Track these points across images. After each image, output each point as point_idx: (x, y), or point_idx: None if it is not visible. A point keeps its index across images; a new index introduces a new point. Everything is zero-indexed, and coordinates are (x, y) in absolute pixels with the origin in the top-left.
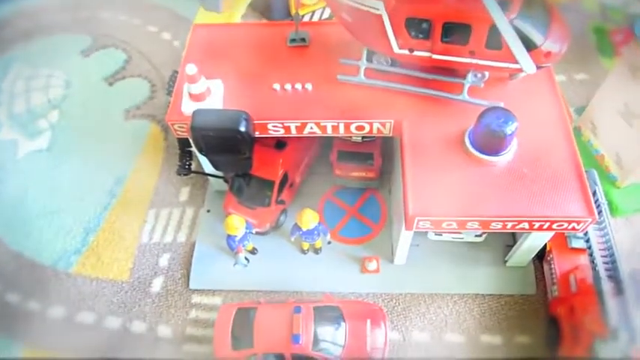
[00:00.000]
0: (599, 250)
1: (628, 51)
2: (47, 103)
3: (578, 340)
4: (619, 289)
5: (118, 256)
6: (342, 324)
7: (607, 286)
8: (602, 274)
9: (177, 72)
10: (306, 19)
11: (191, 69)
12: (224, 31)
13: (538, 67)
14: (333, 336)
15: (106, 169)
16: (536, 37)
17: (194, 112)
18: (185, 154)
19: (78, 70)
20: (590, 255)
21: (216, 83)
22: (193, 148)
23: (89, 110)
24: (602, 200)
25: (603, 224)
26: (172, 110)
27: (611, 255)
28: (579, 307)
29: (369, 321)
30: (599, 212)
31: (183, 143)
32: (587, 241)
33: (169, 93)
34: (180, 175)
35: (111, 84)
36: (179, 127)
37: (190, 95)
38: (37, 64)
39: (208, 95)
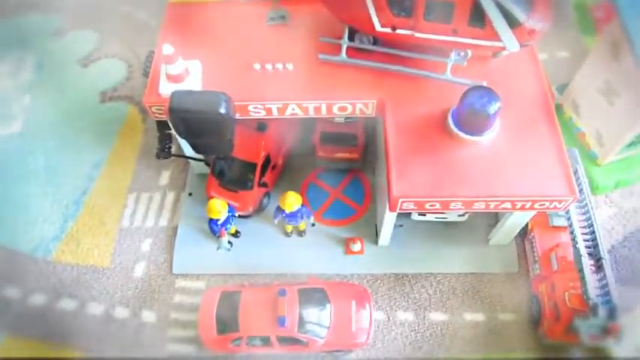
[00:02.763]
0: (580, 227)
1: (609, 28)
2: (19, 87)
3: (559, 316)
4: (599, 266)
5: (99, 241)
6: (327, 305)
7: (587, 263)
8: (583, 251)
9: (153, 52)
10: None
11: (168, 49)
12: (201, 9)
13: (521, 45)
14: (319, 318)
15: (83, 153)
16: (519, 14)
17: (172, 94)
18: (164, 137)
19: (50, 52)
20: (571, 233)
21: (195, 64)
22: (173, 131)
23: (63, 93)
24: (583, 178)
25: (584, 202)
26: (150, 92)
27: (592, 232)
28: (560, 284)
29: (353, 302)
30: (580, 190)
31: (162, 126)
32: (568, 219)
33: (146, 74)
34: (159, 158)
35: (85, 65)
36: (157, 109)
37: (168, 76)
38: (7, 47)
39: (187, 76)
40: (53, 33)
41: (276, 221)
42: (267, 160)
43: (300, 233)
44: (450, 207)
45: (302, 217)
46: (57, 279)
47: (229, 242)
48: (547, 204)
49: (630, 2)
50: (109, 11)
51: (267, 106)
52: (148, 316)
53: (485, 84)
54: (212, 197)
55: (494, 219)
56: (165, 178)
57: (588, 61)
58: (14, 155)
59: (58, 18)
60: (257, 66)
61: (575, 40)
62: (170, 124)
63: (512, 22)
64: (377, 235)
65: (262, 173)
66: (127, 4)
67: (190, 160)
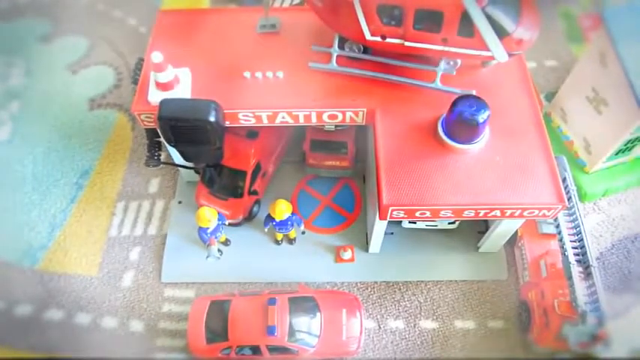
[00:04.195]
0: (569, 235)
1: (596, 37)
2: (7, 93)
3: (549, 323)
4: (587, 274)
5: (86, 250)
6: (318, 314)
7: (576, 270)
8: (572, 258)
9: (142, 59)
10: (277, 3)
11: (157, 57)
12: (191, 16)
13: (510, 55)
14: (309, 326)
15: (72, 160)
16: (507, 24)
17: (161, 102)
18: (154, 145)
19: (39, 58)
20: (560, 240)
21: (184, 71)
22: (162, 139)
23: (52, 100)
24: (572, 186)
25: (572, 210)
26: (138, 100)
27: (580, 240)
28: (549, 292)
29: (344, 310)
30: (569, 198)
31: (152, 133)
32: (557, 226)
33: (135, 82)
34: (149, 166)
35: (74, 72)
36: (146, 117)
37: (157, 84)
38: None
39: (176, 84)
40: (42, 38)
41: (266, 229)
42: (258, 168)
43: (291, 241)
44: (440, 215)
45: (292, 225)
46: (44, 288)
47: (219, 251)
48: (536, 212)
49: (616, 11)
50: (99, 17)
51: (257, 113)
52: (136, 325)
53: (474, 93)
54: (202, 205)
55: (484, 226)
56: (154, 186)
57: (576, 70)
58: (1, 162)
59: (48, 23)
60: (247, 74)
61: (563, 48)
62: (159, 132)
63: (500, 32)
64: (367, 242)
65: (252, 181)
66: (117, 11)
67: (180, 168)
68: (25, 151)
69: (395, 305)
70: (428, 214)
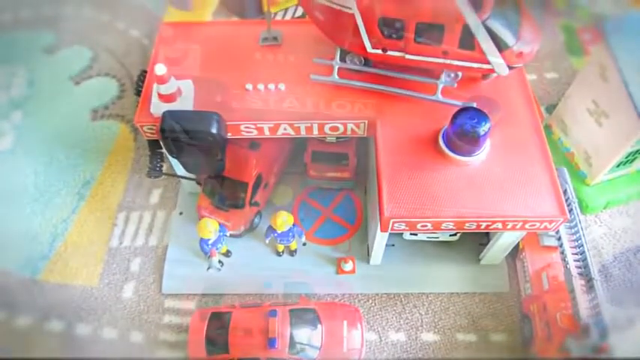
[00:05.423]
0: (570, 247)
1: (596, 50)
2: (9, 103)
3: (551, 336)
4: (590, 287)
5: (87, 261)
6: (319, 326)
7: (578, 283)
8: (574, 271)
9: (145, 71)
10: (279, 16)
11: (160, 69)
12: (194, 29)
13: (510, 68)
14: (310, 338)
15: (73, 171)
16: (508, 37)
17: (164, 114)
18: (156, 156)
19: (42, 69)
20: (562, 252)
21: (187, 84)
22: (164, 150)
23: (55, 110)
24: (573, 198)
25: (574, 222)
26: (141, 112)
27: (582, 252)
28: (551, 304)
29: (345, 322)
30: (570, 210)
31: (154, 145)
32: (559, 238)
33: (138, 93)
34: (150, 177)
35: (77, 83)
36: (148, 129)
37: (160, 96)
38: None
39: (179, 96)
40: (46, 49)
41: (267, 240)
42: (259, 179)
43: (292, 253)
44: (442, 227)
45: (293, 237)
46: (44, 299)
47: (220, 262)
48: (537, 224)
49: (616, 25)
50: (103, 29)
51: (258, 125)
52: (137, 336)
53: (475, 105)
54: (203, 216)
55: (485, 238)
56: (155, 196)
57: (576, 82)
58: (3, 172)
59: (51, 34)
60: (249, 86)
61: (563, 61)
62: (161, 144)
63: (500, 45)
64: (369, 254)
65: (254, 192)
66: (120, 23)
67: (181, 179)
68: (27, 161)
69: (396, 317)
70: (429, 226)
